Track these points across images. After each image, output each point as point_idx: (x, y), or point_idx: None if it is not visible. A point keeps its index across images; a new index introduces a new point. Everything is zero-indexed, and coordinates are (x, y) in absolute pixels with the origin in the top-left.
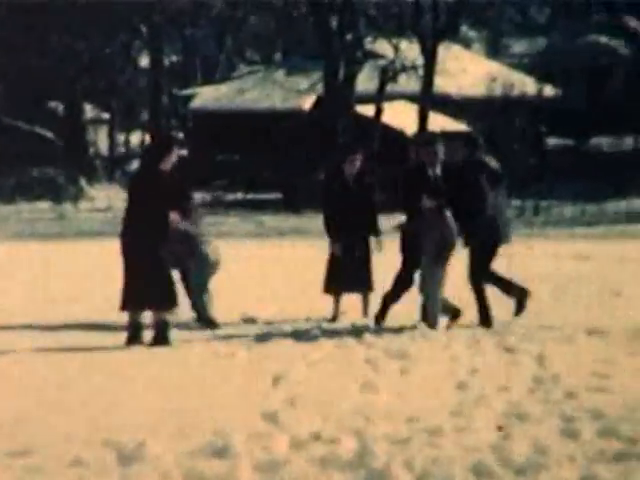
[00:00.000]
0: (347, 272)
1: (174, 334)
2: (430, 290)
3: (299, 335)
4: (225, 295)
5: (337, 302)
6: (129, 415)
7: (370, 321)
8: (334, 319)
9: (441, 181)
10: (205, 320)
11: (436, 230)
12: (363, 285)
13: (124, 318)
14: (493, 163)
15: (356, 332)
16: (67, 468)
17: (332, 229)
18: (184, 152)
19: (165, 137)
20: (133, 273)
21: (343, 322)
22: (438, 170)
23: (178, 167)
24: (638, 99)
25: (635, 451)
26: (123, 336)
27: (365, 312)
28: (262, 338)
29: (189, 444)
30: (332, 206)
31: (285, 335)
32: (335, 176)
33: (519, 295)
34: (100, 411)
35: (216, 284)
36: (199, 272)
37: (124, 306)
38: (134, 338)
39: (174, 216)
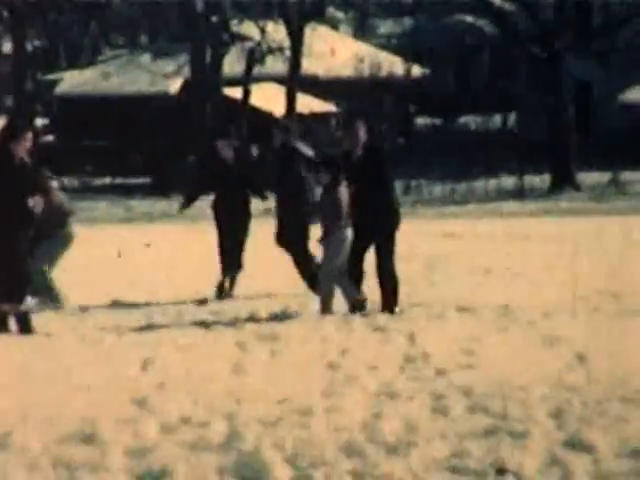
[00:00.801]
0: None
1: (42, 321)
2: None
3: (169, 319)
4: (94, 280)
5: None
6: None
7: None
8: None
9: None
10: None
11: None
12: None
13: None
14: (305, 149)
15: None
16: None
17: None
18: (49, 138)
19: (14, 123)
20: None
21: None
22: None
23: (34, 153)
24: (504, 78)
25: (504, 426)
26: None
27: (231, 291)
28: (132, 323)
29: (57, 431)
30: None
31: (155, 319)
32: (212, 159)
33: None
34: None
35: (86, 269)
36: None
37: None
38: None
39: (36, 200)
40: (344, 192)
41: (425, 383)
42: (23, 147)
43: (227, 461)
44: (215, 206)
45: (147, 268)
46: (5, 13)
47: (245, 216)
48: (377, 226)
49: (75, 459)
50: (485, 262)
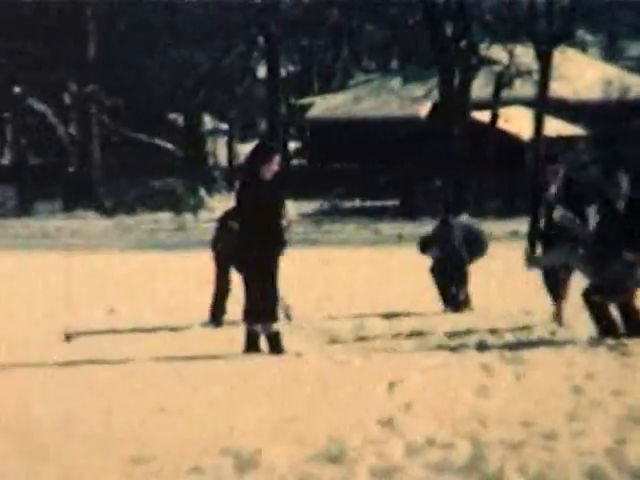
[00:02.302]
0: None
1: (290, 342)
2: None
3: (415, 341)
4: (340, 301)
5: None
6: (246, 423)
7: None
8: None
9: None
10: None
11: None
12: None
13: (240, 327)
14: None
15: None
16: (185, 475)
17: None
18: (300, 161)
19: (264, 146)
20: (248, 287)
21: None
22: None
23: (282, 175)
24: None
25: None
26: (240, 344)
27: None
28: (376, 346)
29: (305, 450)
30: None
31: (399, 341)
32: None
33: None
34: (218, 419)
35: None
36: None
37: (244, 318)
38: (251, 346)
39: (287, 221)
40: None
41: None
42: (271, 169)
43: None
44: None
45: (396, 288)
46: (260, 38)
47: None
48: None
49: (322, 478)
50: None
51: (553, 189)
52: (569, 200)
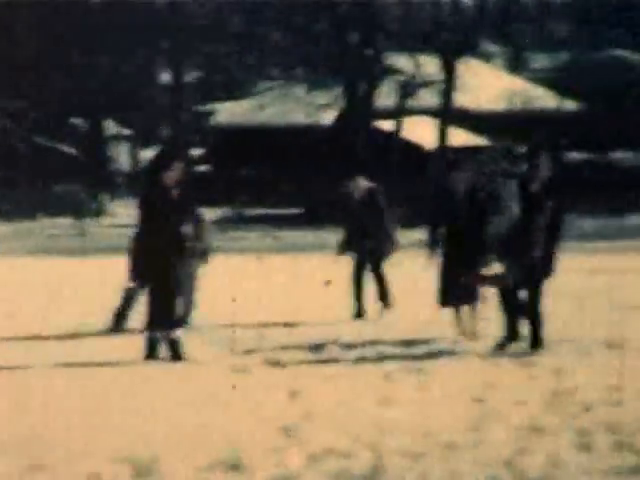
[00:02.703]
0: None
1: (191, 350)
2: None
3: (315, 350)
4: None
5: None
6: (144, 431)
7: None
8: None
9: None
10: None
11: None
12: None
13: (139, 333)
14: None
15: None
16: None
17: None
18: (203, 168)
19: (166, 153)
20: (149, 293)
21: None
22: None
23: (183, 182)
24: None
25: None
26: (139, 351)
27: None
28: (278, 355)
29: (203, 458)
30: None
31: (300, 349)
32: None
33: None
34: (115, 427)
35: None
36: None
37: (145, 324)
38: (151, 353)
39: (186, 228)
40: None
41: (571, 419)
42: (172, 176)
43: None
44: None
45: (298, 296)
46: (164, 44)
47: None
48: None
49: None
50: (636, 298)
51: (458, 195)
52: (472, 207)
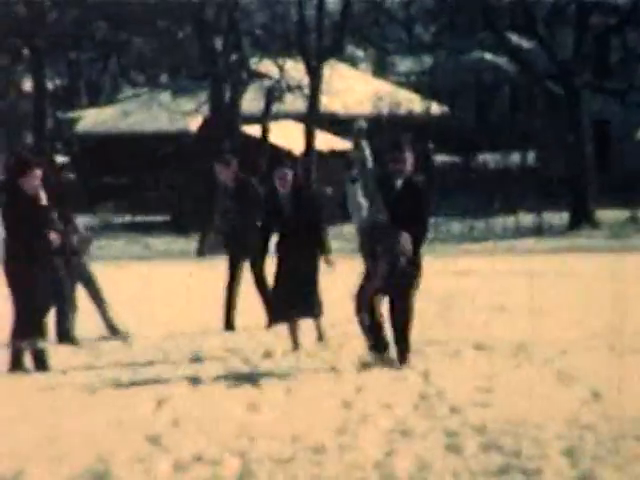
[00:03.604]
0: (295, 296)
1: (59, 358)
2: None
3: (184, 357)
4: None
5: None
6: (5, 443)
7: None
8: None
9: None
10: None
11: None
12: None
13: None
14: None
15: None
16: None
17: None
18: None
19: (22, 159)
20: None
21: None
22: None
23: (55, 189)
24: (523, 115)
25: (517, 464)
26: (4, 361)
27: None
28: (145, 362)
29: (69, 470)
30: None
31: (169, 357)
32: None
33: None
34: None
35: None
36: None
37: (11, 334)
38: (16, 365)
39: (52, 235)
40: None
41: (439, 421)
42: (32, 183)
43: None
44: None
45: (164, 304)
46: (25, 51)
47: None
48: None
49: None
50: (502, 299)
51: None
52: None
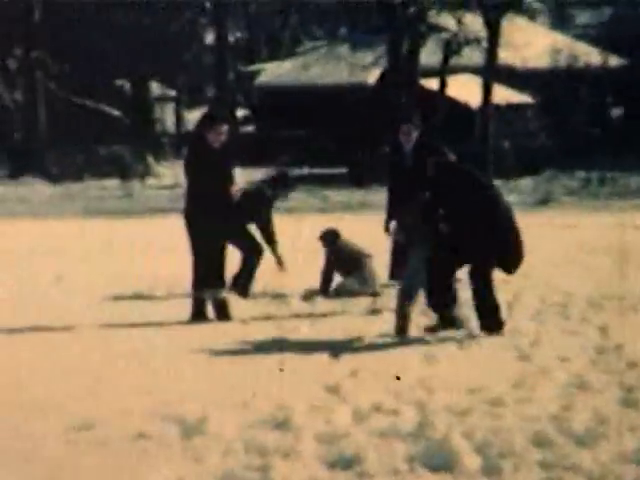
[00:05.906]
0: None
1: (236, 310)
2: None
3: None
4: (293, 268)
5: None
6: (190, 389)
7: None
8: None
9: None
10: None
11: None
12: None
13: (187, 293)
14: None
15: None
16: (131, 441)
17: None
18: (249, 129)
19: (211, 115)
20: (197, 253)
21: None
22: None
23: (231, 144)
24: None
25: None
26: (186, 311)
27: None
28: (324, 314)
29: (250, 417)
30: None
31: (344, 310)
32: (394, 151)
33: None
34: (160, 387)
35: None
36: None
37: (193, 285)
38: (198, 314)
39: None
40: None
41: (616, 375)
42: (218, 137)
43: (417, 449)
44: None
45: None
46: (208, 5)
47: None
48: None
49: (268, 445)
50: None
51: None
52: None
